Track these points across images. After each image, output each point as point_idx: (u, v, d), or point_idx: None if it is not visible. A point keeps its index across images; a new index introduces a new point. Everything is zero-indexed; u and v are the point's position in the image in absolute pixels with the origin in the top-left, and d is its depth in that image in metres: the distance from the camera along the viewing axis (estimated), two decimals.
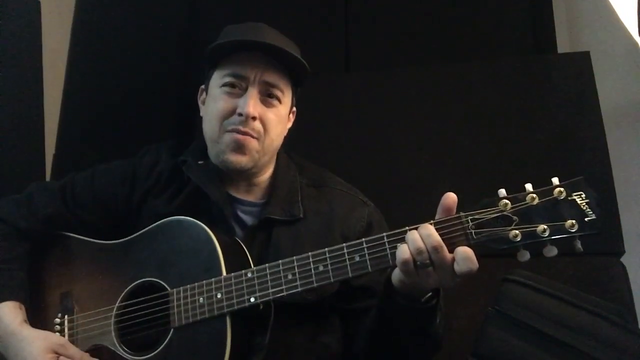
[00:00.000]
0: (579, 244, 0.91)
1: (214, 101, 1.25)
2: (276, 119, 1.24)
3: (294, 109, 1.36)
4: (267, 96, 1.24)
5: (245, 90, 1.22)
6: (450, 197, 0.97)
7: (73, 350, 1.13)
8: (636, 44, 1.71)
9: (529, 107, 1.81)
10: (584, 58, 1.81)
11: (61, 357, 1.11)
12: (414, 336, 1.11)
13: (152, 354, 1.11)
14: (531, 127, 1.79)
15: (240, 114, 1.19)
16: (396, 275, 1.01)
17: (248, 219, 1.28)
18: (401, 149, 1.87)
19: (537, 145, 1.75)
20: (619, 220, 1.63)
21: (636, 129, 1.76)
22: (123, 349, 1.14)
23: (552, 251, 0.92)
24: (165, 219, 1.19)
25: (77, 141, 2.21)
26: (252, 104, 1.20)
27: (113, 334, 1.15)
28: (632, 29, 1.75)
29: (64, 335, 1.19)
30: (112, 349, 1.15)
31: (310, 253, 1.05)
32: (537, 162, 1.72)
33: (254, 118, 1.20)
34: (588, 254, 1.59)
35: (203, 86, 1.33)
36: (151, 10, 2.30)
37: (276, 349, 1.14)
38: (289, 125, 1.35)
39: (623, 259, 1.63)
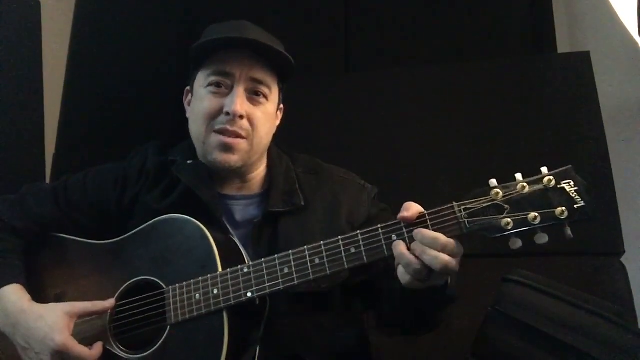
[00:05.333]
0: (568, 231, 0.92)
1: (199, 101, 1.23)
2: (264, 116, 1.23)
3: (282, 106, 1.35)
4: (254, 94, 1.22)
5: (231, 88, 1.21)
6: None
7: (82, 305, 1.13)
8: (636, 44, 1.71)
9: (529, 107, 1.81)
10: (584, 58, 1.81)
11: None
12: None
13: (149, 351, 1.10)
14: (531, 127, 1.79)
15: (227, 113, 1.18)
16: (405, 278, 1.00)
17: (243, 213, 1.27)
18: (401, 148, 1.87)
19: (537, 144, 1.75)
20: (619, 220, 1.63)
21: (636, 129, 1.75)
22: (119, 348, 1.14)
23: (543, 238, 0.93)
24: (159, 218, 1.18)
25: (77, 141, 2.22)
26: (239, 102, 1.19)
27: (109, 332, 1.15)
28: (632, 29, 1.75)
29: None
30: (109, 348, 1.14)
31: (306, 247, 1.05)
32: (537, 161, 1.70)
33: (241, 117, 1.19)
34: (588, 254, 1.61)
35: (188, 87, 1.32)
36: (151, 11, 2.31)
37: (293, 342, 1.15)
38: (277, 122, 1.34)
39: (623, 259, 1.63)
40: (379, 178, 1.40)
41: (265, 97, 1.24)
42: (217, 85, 1.22)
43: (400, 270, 1.00)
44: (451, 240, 0.95)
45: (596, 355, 1.14)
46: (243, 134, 1.20)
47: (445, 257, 0.94)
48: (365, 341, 1.34)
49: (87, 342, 1.14)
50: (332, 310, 1.23)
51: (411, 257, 0.96)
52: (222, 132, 1.20)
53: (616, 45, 1.86)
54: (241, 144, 1.20)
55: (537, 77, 1.85)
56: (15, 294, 1.16)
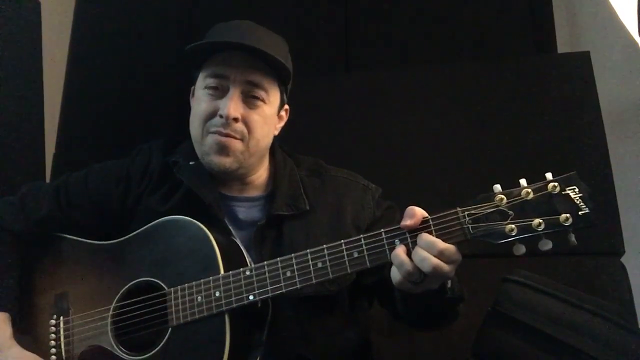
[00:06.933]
0: (572, 237, 0.92)
1: (197, 103, 1.24)
2: (261, 119, 1.22)
3: (287, 106, 1.34)
4: (251, 97, 1.22)
5: (227, 91, 1.21)
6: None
7: None
8: (636, 44, 1.71)
9: (529, 107, 1.82)
10: (584, 58, 1.81)
11: None
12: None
13: (151, 353, 1.10)
14: (531, 126, 1.79)
15: (221, 116, 1.19)
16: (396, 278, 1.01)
17: (246, 214, 1.27)
18: (401, 148, 1.87)
19: (537, 145, 1.76)
20: (619, 220, 1.63)
21: (636, 129, 1.75)
22: (120, 349, 1.14)
23: (547, 245, 0.93)
24: (161, 219, 1.18)
25: (77, 141, 2.22)
26: (232, 105, 1.18)
27: (110, 334, 1.15)
28: (632, 29, 1.74)
29: (59, 337, 1.19)
30: (109, 349, 1.14)
31: (308, 250, 1.05)
32: (537, 161, 1.72)
33: (235, 119, 1.19)
34: (588, 254, 1.61)
35: (193, 87, 1.32)
36: (151, 10, 2.31)
37: (297, 344, 1.16)
38: (281, 124, 1.33)
39: (623, 259, 1.63)
40: (379, 178, 1.40)
41: (263, 100, 1.23)
42: (214, 87, 1.22)
43: (393, 270, 1.01)
44: (450, 246, 0.95)
45: (596, 355, 1.15)
46: (237, 136, 1.20)
47: (434, 260, 0.94)
48: (367, 341, 1.34)
49: (89, 342, 1.15)
50: (337, 312, 1.23)
51: (405, 258, 0.97)
52: (216, 133, 1.20)
53: (616, 45, 1.86)
54: (235, 143, 1.20)
55: (537, 77, 1.85)
56: None
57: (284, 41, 1.29)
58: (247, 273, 1.07)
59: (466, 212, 0.96)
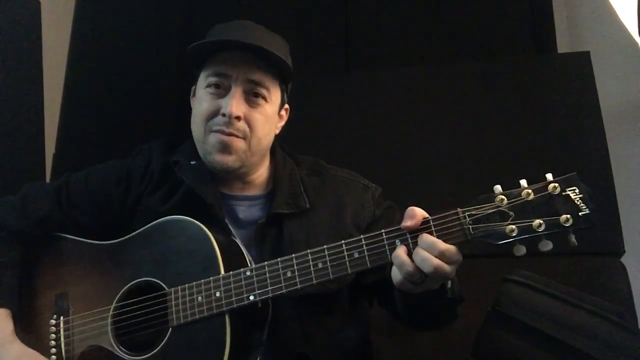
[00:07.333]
0: (573, 238, 0.92)
1: (199, 102, 1.24)
2: (262, 118, 1.23)
3: (287, 106, 1.34)
4: (253, 95, 1.22)
5: (229, 90, 1.21)
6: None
7: None
8: (636, 44, 1.71)
9: (529, 107, 1.82)
10: (584, 58, 1.81)
11: None
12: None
13: (151, 353, 1.10)
14: (531, 126, 1.79)
15: (223, 114, 1.19)
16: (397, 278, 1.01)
17: (246, 213, 1.28)
18: (401, 148, 1.87)
19: (537, 145, 1.76)
20: (619, 220, 1.64)
21: (636, 129, 1.76)
22: (120, 349, 1.14)
23: (547, 245, 0.93)
24: (161, 219, 1.18)
25: (77, 141, 2.22)
26: (234, 104, 1.19)
27: (110, 334, 1.15)
28: (632, 29, 1.75)
29: (59, 337, 1.19)
30: (110, 349, 1.14)
31: (309, 251, 1.05)
32: (537, 162, 1.72)
33: (238, 118, 1.19)
34: (588, 254, 1.61)
35: (194, 87, 1.33)
36: (150, 11, 2.31)
37: (297, 343, 1.16)
38: (282, 123, 1.34)
39: (623, 259, 1.63)
40: (379, 178, 1.40)
41: (264, 98, 1.24)
42: (216, 86, 1.22)
43: (394, 270, 1.01)
44: (451, 247, 0.95)
45: (596, 355, 1.15)
46: (240, 135, 1.21)
47: (435, 261, 0.94)
48: (367, 340, 1.35)
49: (89, 342, 1.14)
50: (337, 311, 1.23)
51: (405, 258, 0.97)
52: (218, 132, 1.21)
53: (616, 45, 1.86)
54: (238, 142, 1.21)
55: (537, 77, 1.86)
56: (1, 322, 1.17)
57: (284, 41, 1.29)
58: (248, 273, 1.07)
59: (467, 213, 0.96)
